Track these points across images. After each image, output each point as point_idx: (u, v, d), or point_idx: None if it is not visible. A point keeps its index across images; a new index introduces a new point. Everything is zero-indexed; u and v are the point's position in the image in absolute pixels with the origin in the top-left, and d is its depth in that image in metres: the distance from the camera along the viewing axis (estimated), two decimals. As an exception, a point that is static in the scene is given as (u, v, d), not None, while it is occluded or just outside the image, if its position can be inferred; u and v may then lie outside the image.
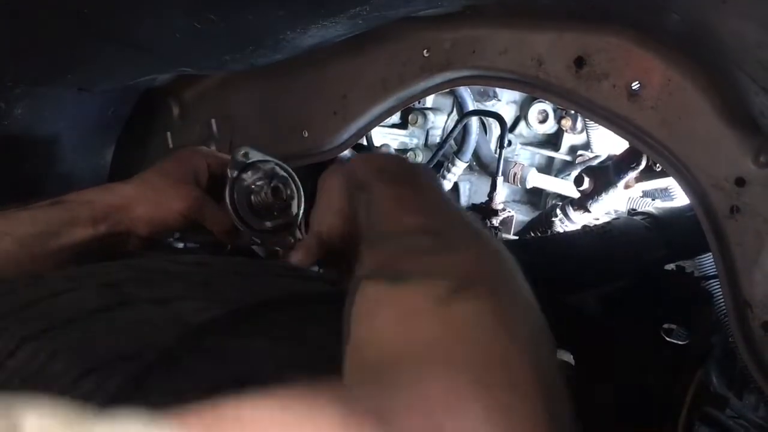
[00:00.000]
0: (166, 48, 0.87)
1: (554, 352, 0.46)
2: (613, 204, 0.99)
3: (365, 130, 1.05)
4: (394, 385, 0.36)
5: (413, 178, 0.62)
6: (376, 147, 1.36)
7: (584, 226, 0.86)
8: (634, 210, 0.94)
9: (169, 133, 1.25)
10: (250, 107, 1.16)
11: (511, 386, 0.37)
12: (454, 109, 1.62)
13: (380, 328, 0.43)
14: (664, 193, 0.99)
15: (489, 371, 0.38)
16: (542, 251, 0.78)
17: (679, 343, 0.84)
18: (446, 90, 1.03)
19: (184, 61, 0.95)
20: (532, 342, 0.42)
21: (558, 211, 1.15)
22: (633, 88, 0.76)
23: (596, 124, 1.30)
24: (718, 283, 1.02)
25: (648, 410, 0.78)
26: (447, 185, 1.51)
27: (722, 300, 0.97)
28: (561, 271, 0.81)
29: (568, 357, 0.81)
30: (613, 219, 0.89)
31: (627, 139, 0.81)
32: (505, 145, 1.15)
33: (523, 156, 1.62)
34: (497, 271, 0.49)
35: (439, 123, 1.69)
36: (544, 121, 1.54)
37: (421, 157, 1.63)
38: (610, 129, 0.80)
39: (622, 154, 0.98)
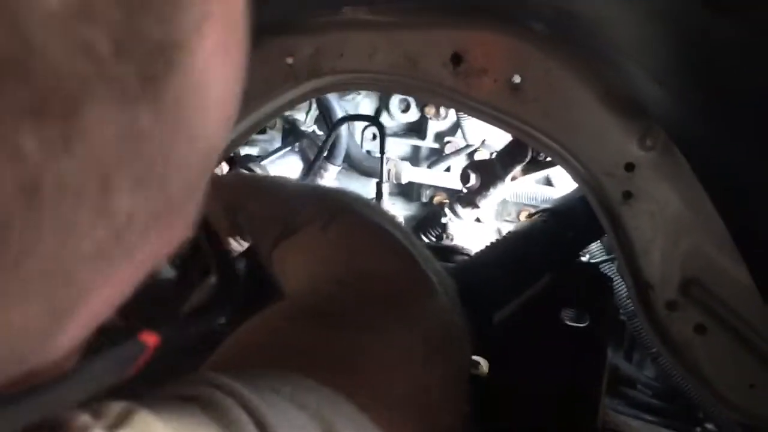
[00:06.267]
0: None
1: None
2: (501, 197, 0.99)
3: (234, 146, 0.97)
4: None
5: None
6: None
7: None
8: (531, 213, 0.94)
9: None
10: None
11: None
12: (314, 103, 1.56)
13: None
14: (545, 181, 0.99)
15: None
16: (462, 277, 0.75)
17: (580, 325, 0.85)
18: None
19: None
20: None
21: (446, 209, 1.13)
22: (514, 81, 0.74)
23: (467, 115, 1.29)
24: (611, 266, 1.05)
25: (566, 401, 0.78)
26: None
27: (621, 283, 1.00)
28: (483, 293, 0.79)
29: (483, 363, 0.80)
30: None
31: (512, 134, 0.79)
32: (381, 147, 1.11)
33: (388, 148, 1.59)
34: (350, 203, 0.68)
35: (299, 120, 1.62)
36: (406, 110, 1.52)
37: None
38: (494, 125, 0.78)
39: (506, 147, 0.97)
